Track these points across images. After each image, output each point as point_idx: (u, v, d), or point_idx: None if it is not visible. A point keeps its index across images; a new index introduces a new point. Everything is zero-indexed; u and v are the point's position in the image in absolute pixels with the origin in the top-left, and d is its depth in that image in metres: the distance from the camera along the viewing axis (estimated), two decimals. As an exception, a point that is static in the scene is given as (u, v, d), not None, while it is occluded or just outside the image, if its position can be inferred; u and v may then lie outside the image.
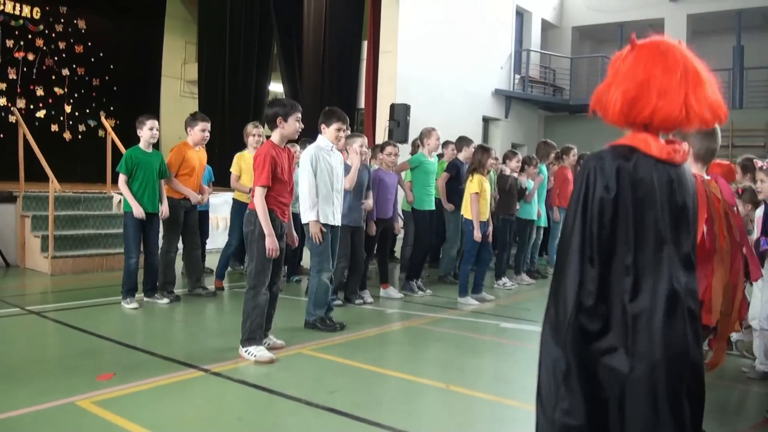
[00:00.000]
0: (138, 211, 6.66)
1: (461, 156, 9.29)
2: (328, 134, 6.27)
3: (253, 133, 8.14)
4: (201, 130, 7.25)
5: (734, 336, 5.85)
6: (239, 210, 7.73)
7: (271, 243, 5.06)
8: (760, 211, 5.08)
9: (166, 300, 6.97)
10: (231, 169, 7.99)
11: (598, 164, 2.11)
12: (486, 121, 18.16)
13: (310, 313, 6.20)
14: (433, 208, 8.70)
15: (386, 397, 4.48)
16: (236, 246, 8.14)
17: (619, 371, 2.04)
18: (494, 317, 7.10)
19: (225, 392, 4.44)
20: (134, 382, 4.43)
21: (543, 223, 10.02)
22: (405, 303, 7.77)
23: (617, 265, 2.08)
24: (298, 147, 8.40)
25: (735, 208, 3.51)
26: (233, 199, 8.31)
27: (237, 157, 8.07)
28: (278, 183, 5.17)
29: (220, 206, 10.74)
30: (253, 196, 5.19)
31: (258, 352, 5.09)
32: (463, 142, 9.36)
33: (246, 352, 5.11)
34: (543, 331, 2.14)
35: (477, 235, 7.69)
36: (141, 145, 6.86)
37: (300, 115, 5.28)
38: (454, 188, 9.06)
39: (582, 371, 2.05)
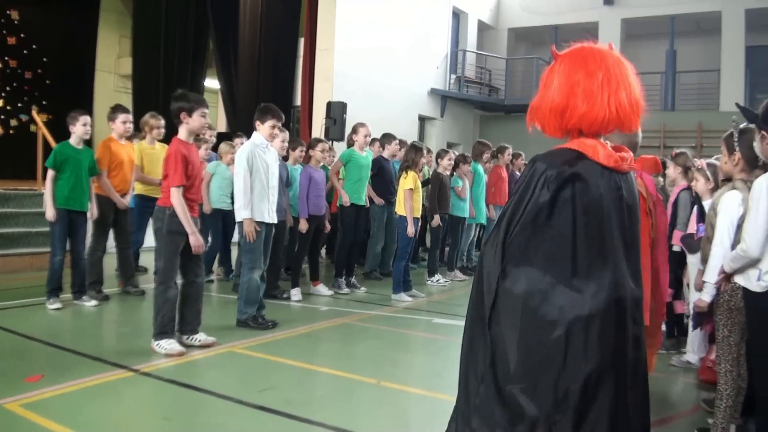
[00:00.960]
0: (50, 213, 6.45)
1: (386, 153, 9.35)
2: (262, 131, 6.25)
3: (156, 125, 7.89)
4: (122, 122, 7.15)
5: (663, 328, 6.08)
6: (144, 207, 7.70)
7: (195, 241, 5.11)
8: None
9: (93, 302, 6.76)
10: (135, 162, 7.58)
11: (544, 168, 2.13)
12: (422, 120, 18.28)
13: (242, 311, 6.17)
14: (363, 203, 8.70)
15: (318, 394, 4.49)
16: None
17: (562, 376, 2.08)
18: (427, 313, 7.18)
19: (154, 392, 4.40)
20: (63, 383, 4.34)
21: (483, 220, 10.17)
22: (337, 300, 7.78)
23: (559, 270, 2.10)
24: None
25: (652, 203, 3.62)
26: (137, 195, 7.87)
27: (136, 148, 7.72)
28: (188, 180, 5.17)
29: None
30: (163, 192, 5.19)
31: (168, 345, 5.09)
32: (386, 138, 9.40)
33: (157, 345, 5.11)
34: (467, 319, 2.23)
35: (411, 230, 7.79)
36: (71, 140, 6.66)
37: (206, 111, 5.24)
38: (378, 185, 9.13)
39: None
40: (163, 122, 7.84)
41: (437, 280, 9.20)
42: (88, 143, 6.98)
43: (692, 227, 5.32)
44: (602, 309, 2.08)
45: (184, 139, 5.21)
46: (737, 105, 3.58)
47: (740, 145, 3.66)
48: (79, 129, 6.65)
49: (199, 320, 5.43)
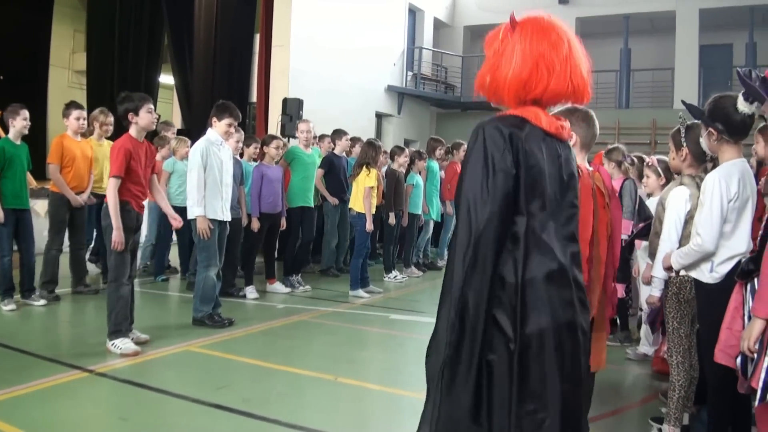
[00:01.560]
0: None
1: (337, 149, 9.33)
2: (218, 128, 6.23)
3: (105, 122, 7.71)
4: (76, 119, 7.03)
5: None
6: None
7: (117, 236, 5.06)
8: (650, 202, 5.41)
9: (42, 301, 6.63)
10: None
11: (491, 132, 2.08)
12: (379, 116, 18.33)
13: (197, 309, 6.14)
14: (310, 204, 8.56)
15: (275, 391, 4.50)
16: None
17: (508, 338, 2.03)
18: (384, 309, 7.23)
19: (110, 393, 4.39)
20: (17, 385, 4.27)
21: (435, 216, 10.25)
22: (294, 297, 7.80)
23: (510, 234, 2.07)
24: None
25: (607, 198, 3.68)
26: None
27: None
28: (134, 175, 5.19)
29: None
30: None
31: (123, 344, 5.09)
32: (336, 134, 9.39)
33: (112, 345, 5.10)
34: (440, 297, 2.13)
35: (370, 226, 7.84)
36: (11, 136, 6.48)
37: (152, 106, 5.31)
38: (330, 182, 9.10)
39: (473, 336, 2.04)
40: (111, 119, 7.68)
41: (394, 277, 9.25)
42: (43, 140, 6.85)
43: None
44: (547, 271, 2.07)
45: (134, 136, 5.26)
46: (683, 102, 3.67)
47: (687, 140, 3.76)
48: (18, 123, 6.45)
49: (131, 319, 5.40)
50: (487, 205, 2.03)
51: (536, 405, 2.04)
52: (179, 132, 10.48)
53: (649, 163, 5.48)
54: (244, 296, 7.48)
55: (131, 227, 5.21)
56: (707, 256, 3.35)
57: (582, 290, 2.19)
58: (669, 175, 5.20)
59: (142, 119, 5.25)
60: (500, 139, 2.06)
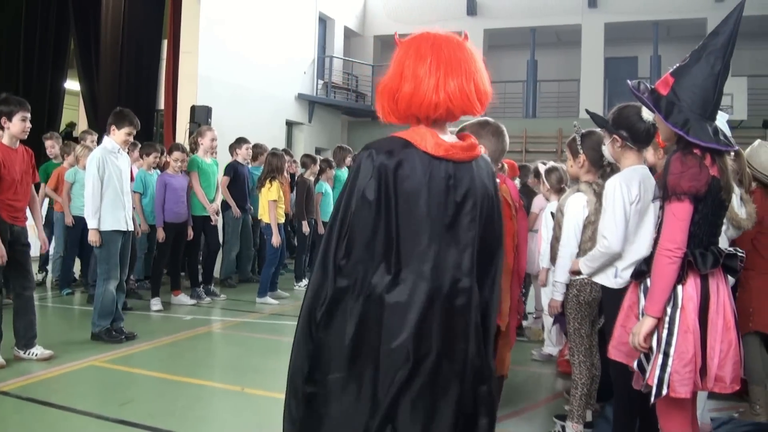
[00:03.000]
0: None
1: (239, 158, 9.22)
2: (116, 137, 6.10)
3: None
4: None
5: (523, 323, 6.46)
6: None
7: None
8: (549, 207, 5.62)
9: None
10: None
11: (365, 159, 2.12)
12: (290, 125, 18.30)
13: (95, 323, 6.01)
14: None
15: (180, 404, 4.51)
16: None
17: (372, 358, 2.08)
18: (293, 318, 7.24)
19: (12, 411, 4.29)
20: None
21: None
22: (200, 308, 7.76)
23: (377, 258, 2.10)
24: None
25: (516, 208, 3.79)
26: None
27: None
28: (6, 186, 5.05)
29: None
30: None
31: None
32: (237, 143, 9.29)
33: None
34: (298, 320, 2.19)
35: (276, 240, 7.88)
36: None
37: (26, 114, 5.15)
38: (233, 191, 9.01)
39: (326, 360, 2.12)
40: None
41: (305, 285, 9.26)
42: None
43: (543, 231, 5.71)
44: (421, 299, 2.09)
45: (6, 144, 5.12)
46: (587, 111, 3.83)
47: (584, 147, 3.94)
48: None
49: (33, 333, 5.32)
50: (347, 231, 2.11)
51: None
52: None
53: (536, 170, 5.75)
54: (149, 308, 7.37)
55: (4, 240, 5.02)
56: (614, 258, 3.49)
57: (464, 317, 2.17)
58: (555, 182, 5.50)
59: (14, 126, 5.10)
60: (369, 168, 2.09)
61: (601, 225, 3.57)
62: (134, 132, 6.21)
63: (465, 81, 2.11)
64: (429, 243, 2.12)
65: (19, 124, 5.11)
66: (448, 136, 2.23)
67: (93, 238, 5.92)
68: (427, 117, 2.14)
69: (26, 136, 5.24)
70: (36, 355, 5.27)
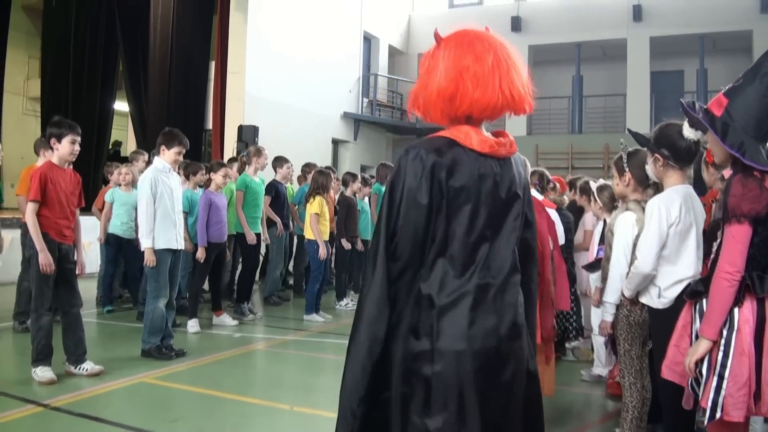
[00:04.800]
0: None
1: (278, 176, 9.31)
2: (167, 157, 6.16)
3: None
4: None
5: (572, 342, 6.33)
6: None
7: (44, 258, 5.01)
8: (598, 226, 5.52)
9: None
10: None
11: (412, 159, 2.07)
12: (335, 143, 18.42)
13: (145, 341, 6.06)
14: (260, 231, 8.52)
15: (230, 422, 4.50)
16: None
17: (425, 365, 2.03)
18: (339, 336, 7.23)
19: (65, 428, 4.32)
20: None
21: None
22: (247, 326, 7.76)
23: (430, 259, 2.07)
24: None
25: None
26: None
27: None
28: (54, 204, 5.16)
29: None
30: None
31: (42, 372, 5.11)
32: (278, 162, 9.34)
33: (34, 372, 5.13)
34: (353, 327, 2.12)
35: (323, 252, 7.89)
36: None
37: (76, 138, 5.25)
38: (275, 209, 9.10)
39: (384, 366, 2.07)
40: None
41: (345, 304, 9.25)
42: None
43: (593, 249, 5.58)
44: (471, 292, 2.05)
45: (56, 163, 5.25)
46: (629, 131, 3.81)
47: (630, 166, 3.87)
48: None
49: (82, 349, 5.38)
50: (398, 234, 2.06)
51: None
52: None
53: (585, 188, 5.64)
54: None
55: (54, 257, 5.11)
56: (647, 278, 3.45)
57: (517, 311, 2.14)
58: (607, 200, 5.38)
59: (63, 148, 5.21)
60: (419, 167, 2.05)
61: (638, 244, 3.54)
62: (184, 151, 6.26)
63: (519, 79, 2.10)
64: (480, 243, 2.09)
65: (68, 147, 5.21)
66: (487, 133, 2.19)
67: (149, 257, 5.98)
68: (480, 117, 2.12)
69: (74, 159, 5.35)
70: (86, 370, 5.32)
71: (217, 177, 7.54)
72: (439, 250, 2.07)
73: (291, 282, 10.69)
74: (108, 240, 8.09)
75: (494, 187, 2.11)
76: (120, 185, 8.25)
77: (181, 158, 6.36)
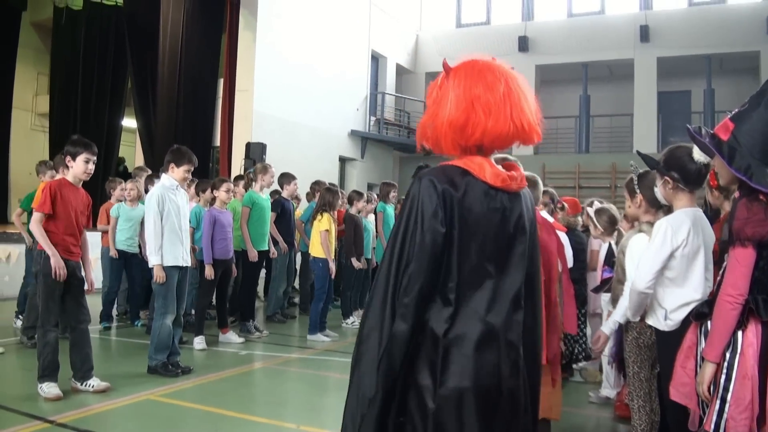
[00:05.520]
0: None
1: (285, 193, 9.35)
2: (176, 174, 6.20)
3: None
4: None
5: (580, 364, 6.30)
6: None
7: (56, 262, 5.09)
8: (603, 247, 5.51)
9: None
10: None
11: (426, 188, 2.03)
12: (342, 161, 18.46)
13: (152, 357, 6.05)
14: (266, 248, 8.60)
15: (235, 441, 4.48)
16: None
17: (427, 399, 2.00)
18: (344, 355, 7.19)
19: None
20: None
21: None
22: (253, 344, 7.74)
23: (438, 294, 2.03)
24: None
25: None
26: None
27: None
28: (62, 220, 5.22)
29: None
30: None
31: (48, 388, 5.12)
32: (285, 178, 9.37)
33: (40, 388, 5.13)
34: (355, 356, 2.08)
35: (333, 267, 8.01)
36: None
37: (91, 157, 5.31)
38: (281, 226, 9.14)
39: (388, 400, 2.02)
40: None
41: (352, 322, 9.22)
42: (4, 182, 6.82)
43: (599, 271, 5.56)
44: (474, 332, 2.02)
45: (70, 181, 5.33)
46: (638, 153, 3.79)
47: (641, 187, 3.87)
48: None
49: (89, 365, 5.39)
50: (411, 264, 2.01)
51: None
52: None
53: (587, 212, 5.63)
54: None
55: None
56: (644, 297, 3.45)
57: (517, 351, 2.12)
58: (607, 224, 5.37)
59: (77, 166, 5.28)
60: (434, 196, 2.01)
61: (638, 262, 3.53)
62: (192, 169, 6.30)
63: (528, 110, 2.08)
64: (485, 278, 2.06)
65: (81, 165, 5.26)
66: (498, 166, 2.17)
67: (159, 273, 5.98)
68: (491, 147, 2.10)
69: (88, 178, 5.41)
70: (93, 386, 5.32)
71: (221, 193, 7.58)
72: (444, 285, 2.04)
73: (296, 300, 10.70)
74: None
75: (502, 222, 2.09)
76: (125, 200, 8.28)
77: (189, 176, 6.37)
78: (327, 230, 8.00)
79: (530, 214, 2.21)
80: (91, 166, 5.34)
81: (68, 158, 5.27)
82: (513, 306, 2.11)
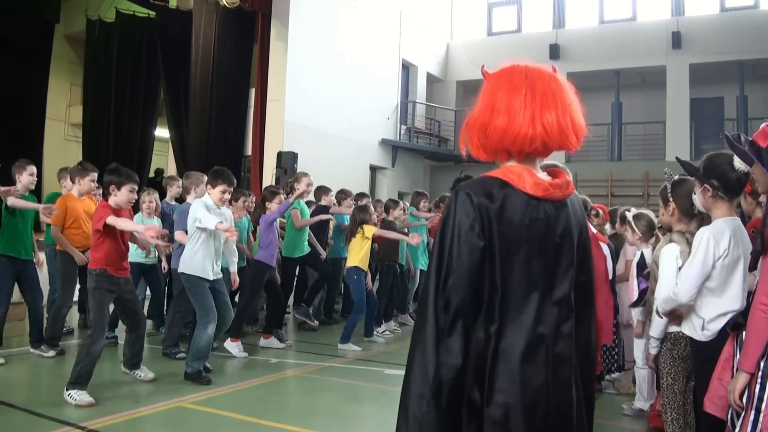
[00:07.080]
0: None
1: (322, 203, 9.36)
2: (213, 195, 6.30)
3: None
4: (91, 180, 7.08)
5: (613, 375, 6.22)
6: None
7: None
8: (636, 256, 5.44)
9: (52, 352, 6.71)
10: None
11: (462, 202, 2.00)
12: (373, 169, 18.47)
13: (190, 364, 6.08)
14: (304, 253, 8.75)
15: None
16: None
17: (477, 412, 1.97)
18: (380, 364, 7.17)
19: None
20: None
21: (422, 266, 10.15)
22: (286, 352, 7.74)
23: (484, 308, 1.99)
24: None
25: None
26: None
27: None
28: (113, 242, 5.45)
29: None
30: (90, 254, 5.55)
31: (79, 396, 5.17)
32: (322, 190, 9.42)
33: (68, 395, 5.17)
34: (408, 373, 2.02)
35: (368, 284, 8.09)
36: (19, 189, 6.58)
37: (135, 186, 5.56)
38: (318, 235, 9.23)
39: (442, 414, 1.95)
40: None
41: (383, 331, 9.17)
42: (38, 192, 6.93)
43: (633, 281, 5.47)
44: (521, 346, 1.98)
45: (112, 206, 5.47)
46: (678, 159, 3.73)
47: (674, 196, 3.81)
48: (25, 178, 6.62)
49: (138, 358, 5.95)
50: (450, 278, 1.97)
51: None
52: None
53: (625, 218, 5.57)
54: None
55: (113, 291, 5.46)
56: (682, 306, 3.43)
57: (567, 364, 2.06)
58: (645, 229, 5.30)
59: (122, 196, 5.50)
60: (470, 209, 1.98)
61: (681, 272, 3.50)
62: (230, 189, 6.36)
63: (561, 114, 2.02)
64: (530, 290, 2.01)
65: (126, 195, 5.51)
66: (542, 173, 2.12)
67: (222, 227, 5.98)
68: (520, 151, 2.04)
69: (130, 206, 5.68)
70: (140, 376, 5.92)
71: (272, 205, 7.86)
72: (490, 299, 2.00)
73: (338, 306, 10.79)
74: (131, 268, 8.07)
75: (547, 232, 2.03)
76: (142, 211, 8.27)
77: (227, 196, 6.39)
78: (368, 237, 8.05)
79: (579, 220, 2.15)
80: (135, 196, 5.62)
81: (112, 188, 5.46)
82: (562, 317, 2.06)
